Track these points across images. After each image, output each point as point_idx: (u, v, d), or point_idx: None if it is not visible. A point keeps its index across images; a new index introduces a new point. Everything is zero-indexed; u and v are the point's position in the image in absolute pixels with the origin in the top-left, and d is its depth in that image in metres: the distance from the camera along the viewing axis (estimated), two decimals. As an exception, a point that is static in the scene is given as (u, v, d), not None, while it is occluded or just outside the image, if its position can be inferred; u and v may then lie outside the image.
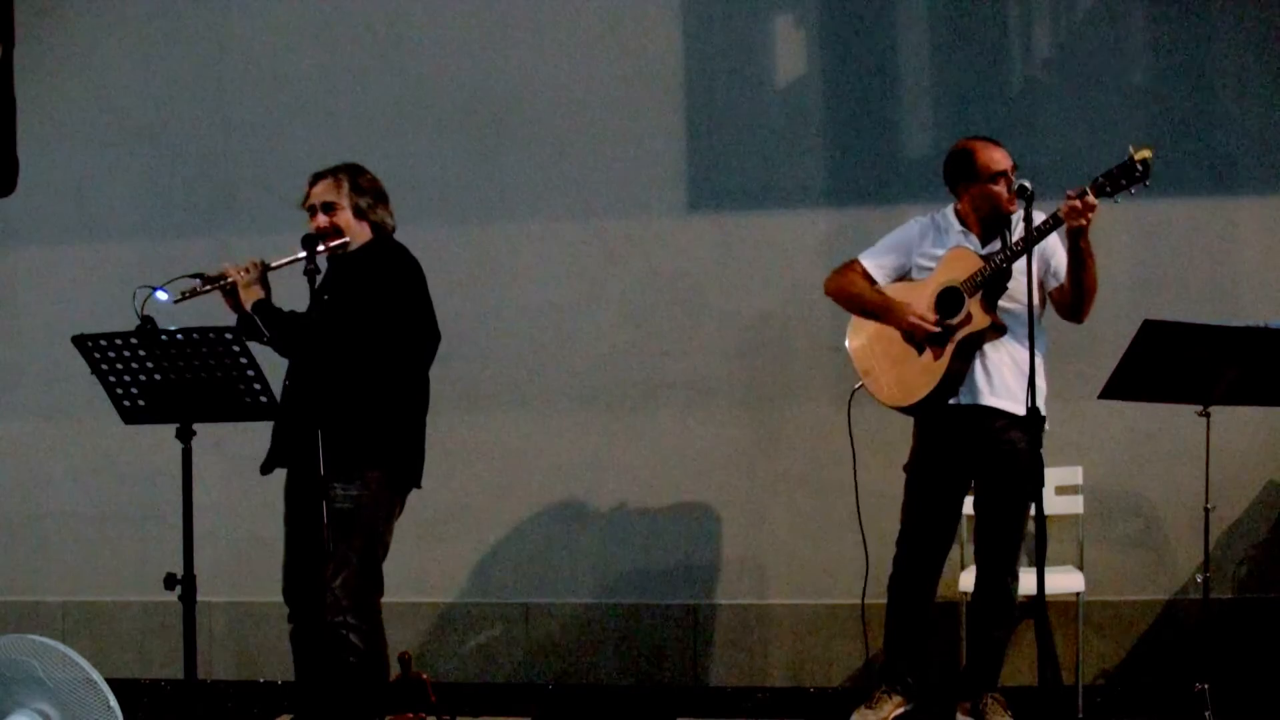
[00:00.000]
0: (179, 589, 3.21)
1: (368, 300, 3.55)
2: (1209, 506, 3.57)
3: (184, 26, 5.03)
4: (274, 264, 3.68)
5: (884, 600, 4.07)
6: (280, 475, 3.72)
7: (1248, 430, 4.34)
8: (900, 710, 4.06)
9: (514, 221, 4.86)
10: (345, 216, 3.66)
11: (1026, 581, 4.02)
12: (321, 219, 3.66)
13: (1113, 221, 4.55)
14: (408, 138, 4.88)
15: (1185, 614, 4.43)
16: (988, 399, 3.83)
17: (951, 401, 3.86)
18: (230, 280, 3.62)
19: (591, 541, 4.81)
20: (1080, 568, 4.36)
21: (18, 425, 5.10)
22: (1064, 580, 4.21)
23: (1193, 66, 4.55)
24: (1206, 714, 3.47)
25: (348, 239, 3.65)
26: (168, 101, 5.04)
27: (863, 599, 4.26)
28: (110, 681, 3.06)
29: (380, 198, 3.74)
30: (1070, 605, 4.30)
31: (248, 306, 3.59)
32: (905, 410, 3.95)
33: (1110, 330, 4.24)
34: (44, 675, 3.03)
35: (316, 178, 3.74)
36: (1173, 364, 3.37)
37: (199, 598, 3.27)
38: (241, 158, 5.00)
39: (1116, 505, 4.52)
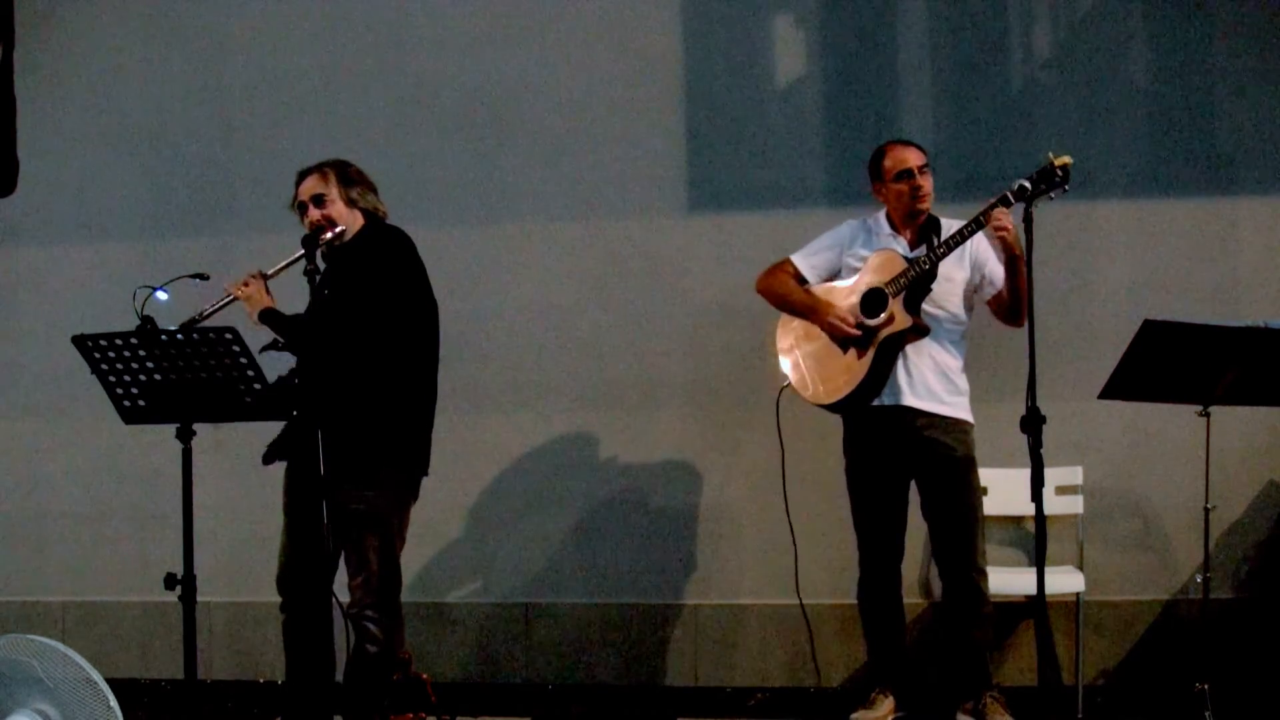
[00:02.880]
0: (179, 589, 3.22)
1: (368, 285, 3.55)
2: (1209, 506, 3.58)
3: (184, 27, 5.03)
4: (271, 272, 3.68)
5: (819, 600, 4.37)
6: (280, 475, 3.73)
7: (1248, 430, 4.34)
8: (895, 712, 4.08)
9: (514, 221, 4.86)
10: (338, 208, 3.68)
11: (1026, 581, 4.03)
12: (314, 213, 3.67)
13: (1113, 221, 4.57)
14: (408, 138, 4.87)
15: (1185, 614, 4.43)
16: (909, 399, 3.92)
17: (875, 403, 3.94)
18: (231, 298, 3.62)
19: (591, 541, 4.81)
20: (1080, 568, 4.36)
21: (18, 425, 5.10)
22: (1064, 580, 4.21)
23: (1193, 66, 4.55)
24: (1206, 714, 3.47)
25: (343, 228, 3.66)
26: (168, 102, 5.04)
27: (799, 598, 4.37)
28: (110, 681, 3.06)
29: (369, 186, 3.76)
30: (1070, 605, 4.31)
31: (254, 318, 3.60)
32: (829, 408, 4.03)
33: (1110, 330, 4.25)
34: (44, 675, 3.03)
35: (303, 175, 3.76)
36: (1173, 364, 3.38)
37: (199, 598, 3.27)
38: (242, 158, 5.00)
39: (1116, 505, 4.52)
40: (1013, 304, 3.87)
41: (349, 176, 3.72)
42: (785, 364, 4.12)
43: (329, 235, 3.62)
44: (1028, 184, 3.43)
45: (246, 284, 3.64)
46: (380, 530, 3.57)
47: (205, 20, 5.02)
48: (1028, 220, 3.32)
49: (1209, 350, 3.36)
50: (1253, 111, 4.50)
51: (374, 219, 3.74)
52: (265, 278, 3.68)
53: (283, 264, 3.64)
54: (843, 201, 4.40)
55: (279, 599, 3.70)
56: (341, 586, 3.57)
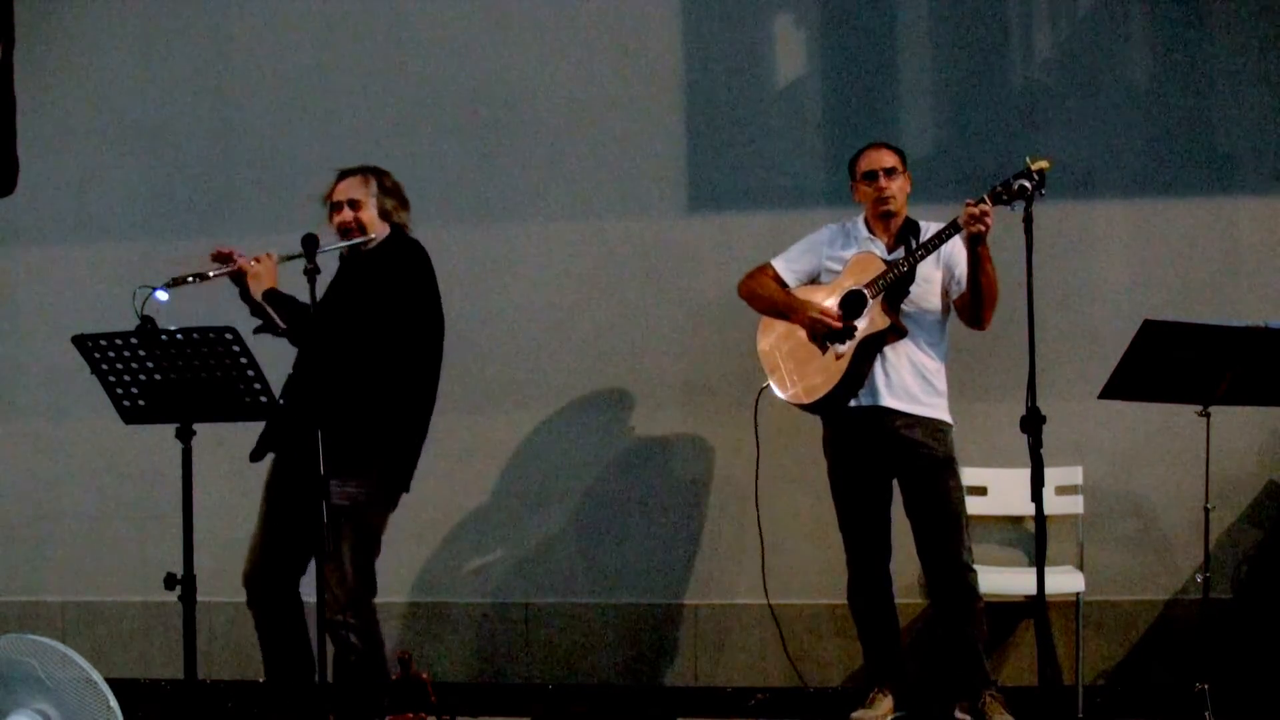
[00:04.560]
0: (179, 589, 3.22)
1: (382, 295, 3.57)
2: (1209, 506, 3.58)
3: (184, 26, 5.03)
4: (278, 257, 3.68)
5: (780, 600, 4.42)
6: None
7: (1248, 430, 4.34)
8: (895, 711, 4.09)
9: (514, 221, 4.86)
10: (370, 215, 3.72)
11: (1026, 581, 4.03)
12: (346, 214, 3.71)
13: (1113, 221, 4.57)
14: (408, 138, 4.88)
15: (1185, 614, 4.43)
16: (886, 400, 3.94)
17: (853, 404, 3.96)
18: (236, 267, 3.62)
19: (591, 541, 4.81)
20: (1080, 568, 4.36)
21: (18, 425, 5.10)
22: (1064, 580, 4.21)
23: (1193, 66, 4.55)
24: (1206, 714, 3.48)
25: (373, 236, 3.69)
26: (168, 102, 5.04)
27: (767, 598, 4.39)
28: (110, 681, 3.06)
29: (404, 202, 3.80)
30: (1070, 605, 4.31)
31: (258, 295, 3.60)
32: (807, 408, 4.05)
33: (1110, 330, 4.26)
34: (44, 675, 3.04)
35: (344, 174, 3.79)
36: (1173, 364, 3.38)
37: (199, 598, 3.27)
38: (242, 158, 5.00)
39: (1116, 505, 4.52)
40: (974, 301, 3.85)
41: (386, 187, 3.76)
42: (765, 365, 4.14)
43: (354, 239, 3.65)
44: (1001, 188, 3.48)
45: (258, 260, 3.63)
46: (361, 528, 3.57)
47: (205, 20, 5.03)
48: (1028, 220, 3.32)
49: (1209, 350, 3.36)
50: (1252, 111, 4.50)
51: (398, 231, 3.76)
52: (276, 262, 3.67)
53: (287, 255, 3.62)
54: (842, 201, 4.39)
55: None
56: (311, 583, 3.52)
